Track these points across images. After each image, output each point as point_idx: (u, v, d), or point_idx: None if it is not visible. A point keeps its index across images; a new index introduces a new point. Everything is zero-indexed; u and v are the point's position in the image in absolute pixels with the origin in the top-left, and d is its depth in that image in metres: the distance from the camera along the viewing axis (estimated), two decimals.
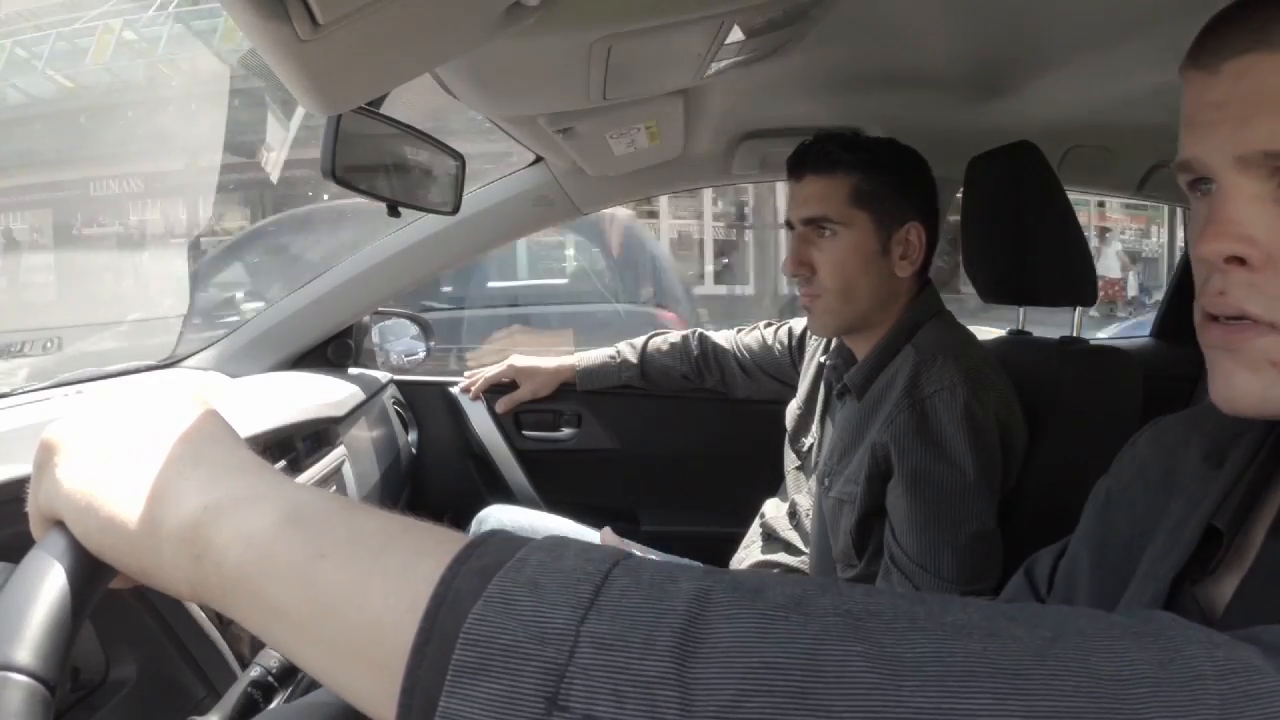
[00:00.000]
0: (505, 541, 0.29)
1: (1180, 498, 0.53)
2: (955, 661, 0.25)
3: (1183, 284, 2.09)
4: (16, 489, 0.65)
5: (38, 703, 0.32)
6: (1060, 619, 0.27)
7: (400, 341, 1.84)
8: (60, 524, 0.36)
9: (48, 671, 0.32)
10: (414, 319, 1.92)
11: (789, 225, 1.18)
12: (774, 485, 1.46)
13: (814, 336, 1.43)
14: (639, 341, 1.70)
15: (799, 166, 1.15)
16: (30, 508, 0.38)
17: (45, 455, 0.37)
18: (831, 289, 1.13)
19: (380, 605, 0.28)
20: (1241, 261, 0.43)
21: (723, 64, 0.96)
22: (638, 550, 1.38)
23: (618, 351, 1.70)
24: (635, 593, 0.27)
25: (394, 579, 0.29)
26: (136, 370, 1.37)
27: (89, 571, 0.35)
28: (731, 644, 0.25)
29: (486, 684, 0.25)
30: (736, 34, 0.85)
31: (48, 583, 0.34)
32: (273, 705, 0.66)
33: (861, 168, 1.11)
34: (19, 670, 0.32)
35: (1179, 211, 2.65)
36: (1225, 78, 0.43)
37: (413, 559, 0.29)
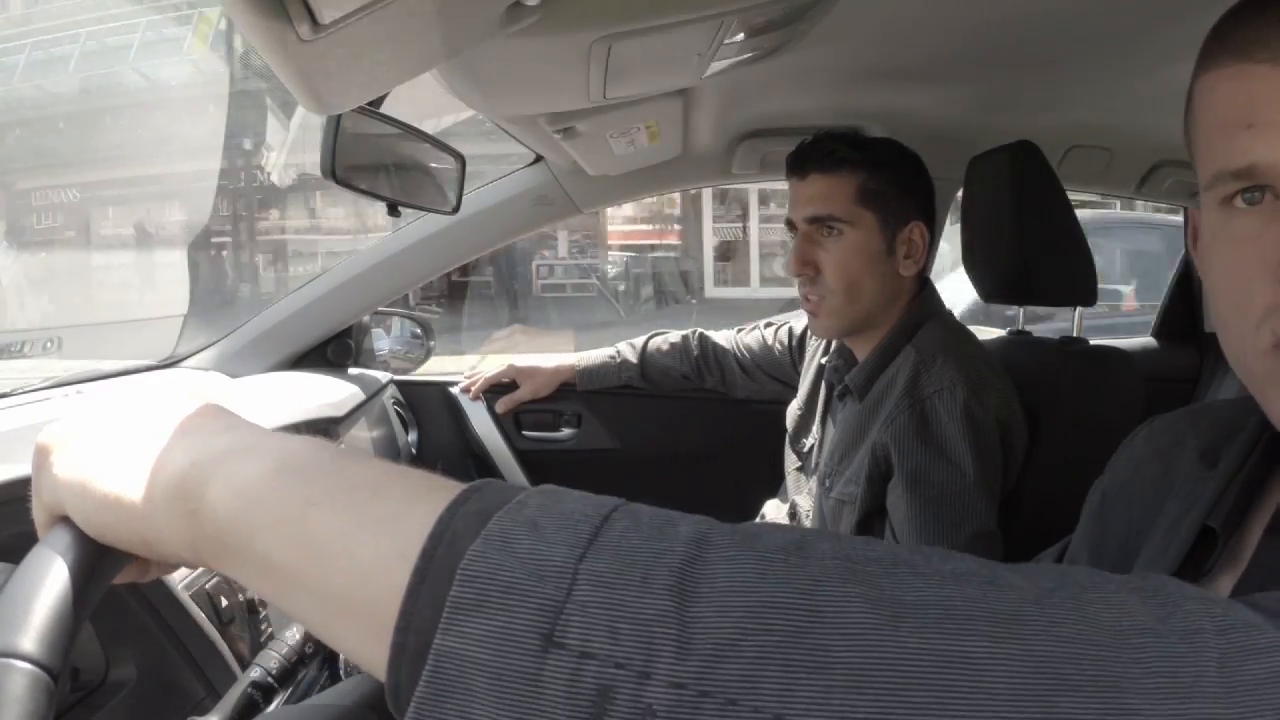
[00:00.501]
0: (503, 487, 0.29)
1: (1176, 498, 0.53)
2: (954, 605, 0.25)
3: (1182, 286, 2.09)
4: (16, 489, 0.65)
5: (40, 690, 0.32)
6: (1059, 572, 0.27)
7: (379, 340, 1.84)
8: (64, 519, 0.36)
9: (51, 659, 0.33)
10: (414, 318, 1.92)
11: (790, 225, 1.18)
12: (774, 486, 1.46)
13: (814, 337, 1.43)
14: (639, 341, 1.70)
15: (803, 165, 1.14)
16: (35, 510, 0.38)
17: (42, 456, 0.37)
18: (837, 289, 1.12)
19: (371, 552, 0.28)
20: None
21: (723, 64, 0.96)
22: None
23: (617, 352, 1.70)
24: (635, 534, 0.27)
25: (386, 525, 0.29)
26: (136, 370, 1.38)
27: (92, 561, 0.35)
28: (730, 583, 0.25)
29: (483, 620, 0.25)
30: (736, 33, 0.85)
31: (51, 573, 0.35)
32: (273, 706, 0.66)
33: (867, 166, 1.10)
34: (22, 657, 0.32)
35: None
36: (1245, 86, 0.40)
37: (406, 505, 0.29)
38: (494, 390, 1.76)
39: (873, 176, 1.10)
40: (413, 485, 0.30)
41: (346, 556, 0.28)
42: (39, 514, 0.38)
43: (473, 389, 1.75)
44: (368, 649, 0.28)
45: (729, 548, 0.26)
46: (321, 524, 0.29)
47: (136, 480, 0.34)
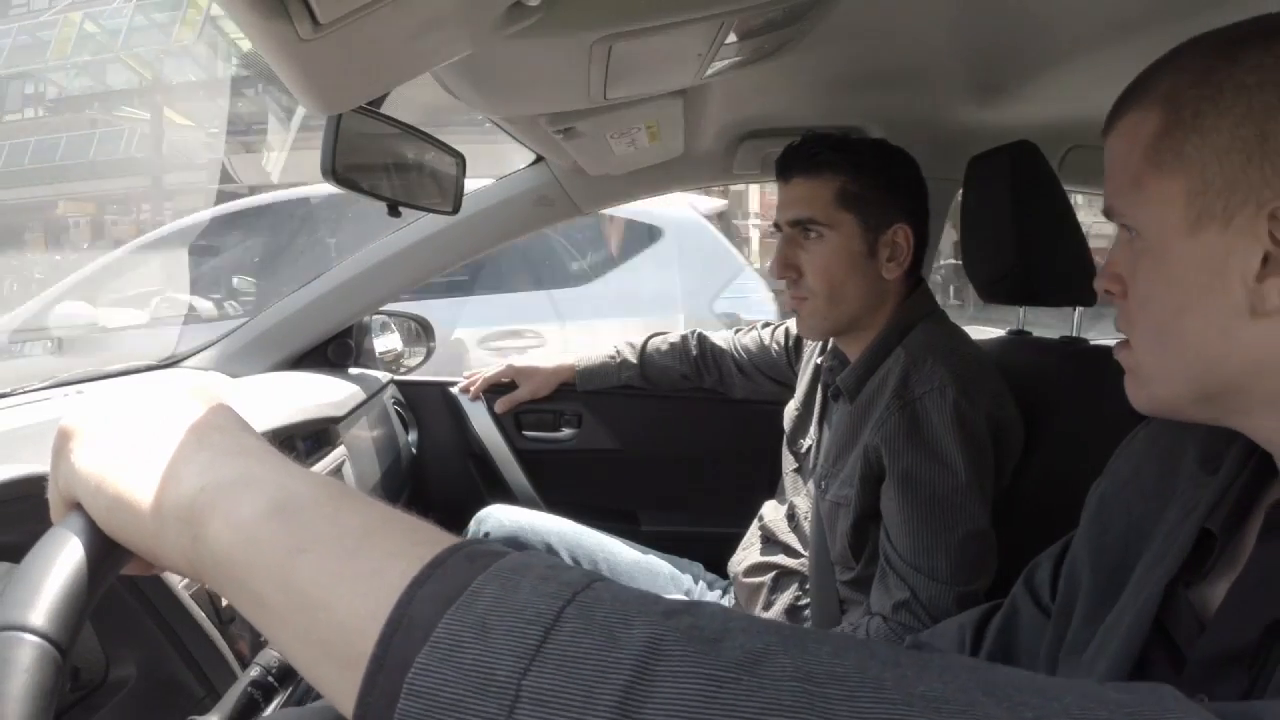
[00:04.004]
0: (467, 562, 0.29)
1: (1176, 502, 0.54)
2: None
3: None
4: (17, 489, 0.65)
5: (48, 664, 0.33)
6: (1049, 696, 0.25)
7: (379, 340, 1.84)
8: (78, 506, 0.38)
9: (60, 635, 0.34)
10: (414, 319, 1.92)
11: (776, 227, 1.18)
12: (772, 486, 1.46)
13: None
14: (638, 341, 1.71)
15: (787, 168, 1.14)
16: (50, 493, 0.40)
17: (62, 441, 0.39)
18: (819, 292, 1.12)
19: (346, 609, 0.29)
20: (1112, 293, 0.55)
21: (722, 64, 0.96)
22: None
23: (617, 352, 1.70)
24: (585, 638, 0.26)
25: (362, 583, 0.30)
26: (136, 370, 1.38)
27: (104, 549, 0.37)
28: (674, 708, 0.24)
29: None
30: (736, 35, 0.85)
31: (64, 553, 0.36)
32: (272, 707, 0.66)
33: (848, 169, 1.10)
34: (32, 631, 0.33)
35: None
36: (1106, 153, 0.54)
37: (384, 561, 0.30)
38: (493, 390, 1.76)
39: (854, 179, 1.10)
40: (395, 539, 0.31)
41: (326, 609, 0.30)
42: (54, 498, 0.39)
43: (472, 389, 1.76)
44: (343, 696, 0.29)
45: (680, 660, 0.25)
46: (307, 572, 0.31)
47: (149, 491, 0.35)
